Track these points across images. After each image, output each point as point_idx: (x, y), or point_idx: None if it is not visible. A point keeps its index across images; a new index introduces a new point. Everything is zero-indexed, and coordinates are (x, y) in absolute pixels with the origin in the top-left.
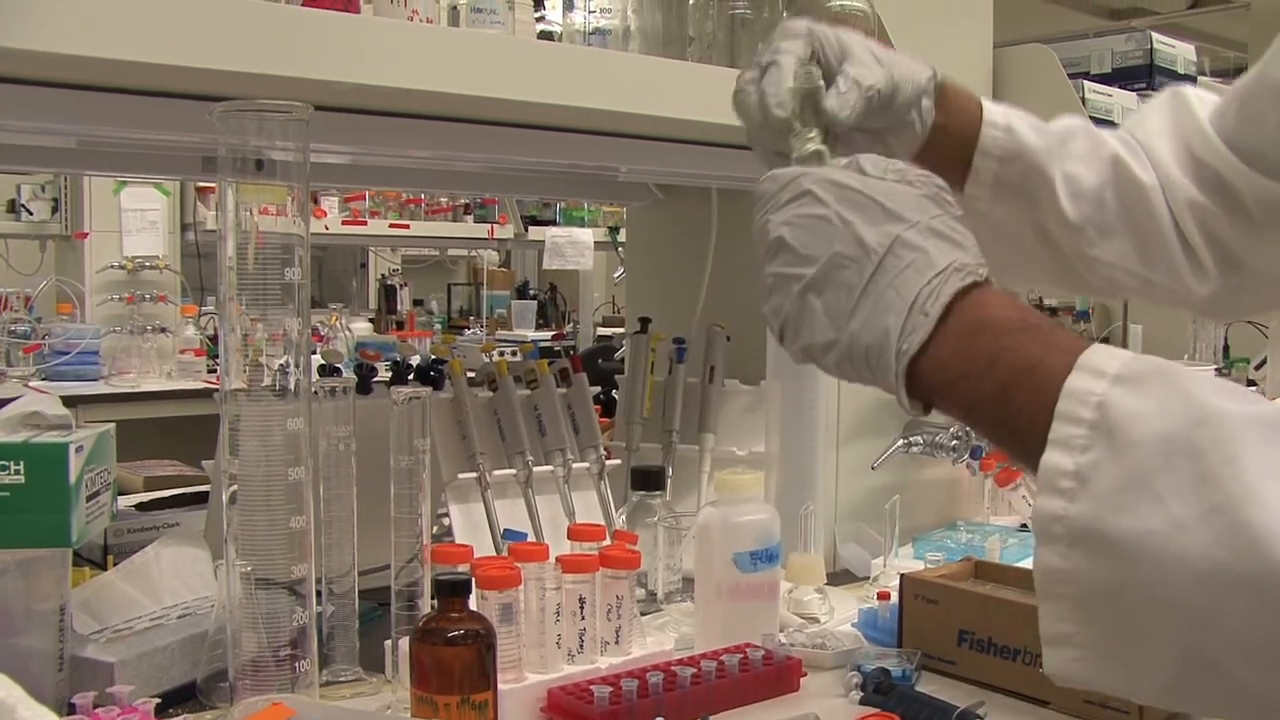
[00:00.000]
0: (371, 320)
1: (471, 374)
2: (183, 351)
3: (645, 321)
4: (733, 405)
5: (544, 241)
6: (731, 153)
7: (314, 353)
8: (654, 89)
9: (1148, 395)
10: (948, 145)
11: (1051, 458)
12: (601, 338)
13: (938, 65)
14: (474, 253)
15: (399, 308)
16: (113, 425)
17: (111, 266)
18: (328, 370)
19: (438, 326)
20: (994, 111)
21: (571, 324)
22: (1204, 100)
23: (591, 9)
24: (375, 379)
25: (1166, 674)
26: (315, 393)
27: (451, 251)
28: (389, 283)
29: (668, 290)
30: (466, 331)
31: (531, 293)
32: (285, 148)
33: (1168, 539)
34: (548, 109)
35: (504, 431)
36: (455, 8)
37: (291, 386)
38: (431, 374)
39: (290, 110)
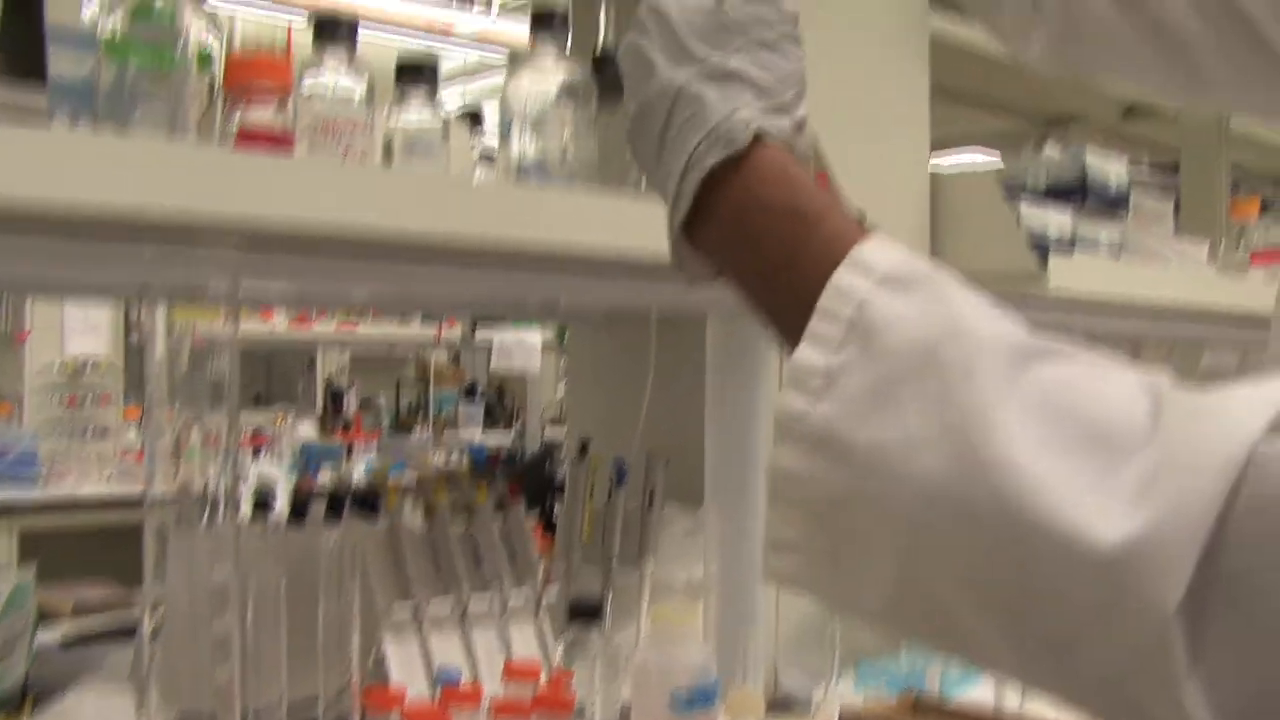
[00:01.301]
0: (319, 420)
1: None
2: (124, 455)
3: (584, 446)
4: (673, 529)
5: (492, 342)
6: (669, 284)
7: (256, 454)
8: (591, 222)
9: (912, 299)
10: None
11: (804, 353)
12: (547, 443)
13: (874, 185)
14: (423, 350)
15: (346, 409)
16: (31, 576)
17: (52, 367)
18: (261, 500)
19: (386, 423)
20: None
21: (519, 424)
22: None
23: (525, 147)
24: (312, 504)
25: (884, 594)
26: (248, 524)
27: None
28: (335, 385)
29: (608, 410)
30: (414, 433)
31: (480, 394)
32: (217, 287)
33: (902, 455)
34: (485, 245)
35: (440, 565)
36: (390, 141)
37: (221, 516)
38: (368, 503)
39: (221, 253)
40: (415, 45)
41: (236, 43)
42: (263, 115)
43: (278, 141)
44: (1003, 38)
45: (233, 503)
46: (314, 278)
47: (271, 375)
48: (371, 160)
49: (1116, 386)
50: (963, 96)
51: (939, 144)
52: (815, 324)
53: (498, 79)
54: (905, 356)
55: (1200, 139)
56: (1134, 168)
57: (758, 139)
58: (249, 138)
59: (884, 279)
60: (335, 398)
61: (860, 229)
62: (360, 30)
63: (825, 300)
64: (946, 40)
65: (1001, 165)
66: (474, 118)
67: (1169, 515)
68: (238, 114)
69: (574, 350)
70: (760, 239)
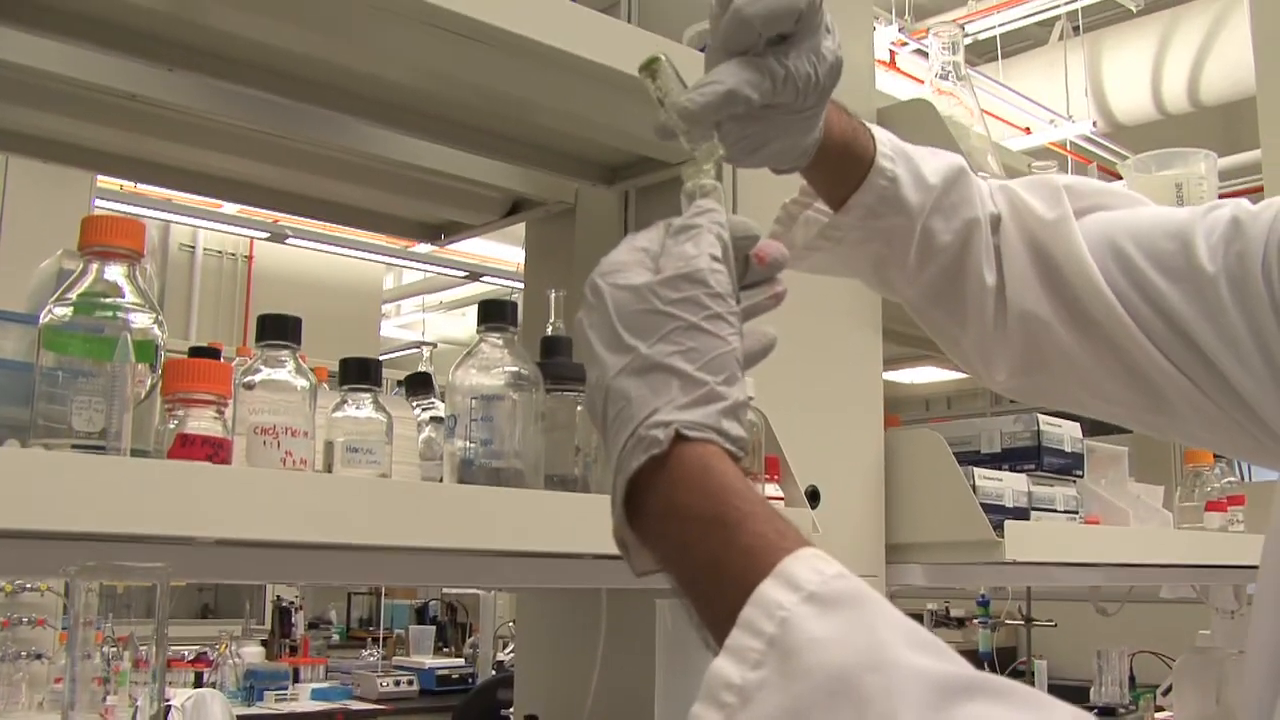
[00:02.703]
0: (264, 643)
1: None
2: (58, 681)
3: None
4: None
5: None
6: (619, 563)
7: (199, 680)
8: (536, 524)
9: (837, 621)
10: (827, 164)
11: (721, 665)
12: (499, 665)
13: (829, 448)
14: None
15: (293, 631)
16: None
17: None
18: None
19: (337, 636)
20: (884, 154)
21: (471, 646)
22: (1090, 213)
23: (472, 439)
24: None
25: None
26: None
27: None
28: (284, 602)
29: (557, 680)
30: (364, 652)
31: (432, 616)
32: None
33: None
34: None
35: None
36: (331, 444)
37: None
38: None
39: (147, 571)
40: (373, 261)
41: (199, 253)
42: (200, 422)
43: (215, 447)
44: (967, 363)
45: None
46: (249, 568)
47: (221, 586)
48: (312, 462)
49: None
50: (917, 339)
51: (893, 361)
52: (736, 636)
53: (456, 292)
54: (824, 682)
55: None
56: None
57: (680, 437)
58: (187, 442)
59: (810, 597)
60: (284, 615)
61: (787, 534)
62: (316, 245)
63: (748, 613)
64: None
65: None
66: (423, 381)
67: None
68: (174, 420)
69: (524, 616)
70: (684, 544)
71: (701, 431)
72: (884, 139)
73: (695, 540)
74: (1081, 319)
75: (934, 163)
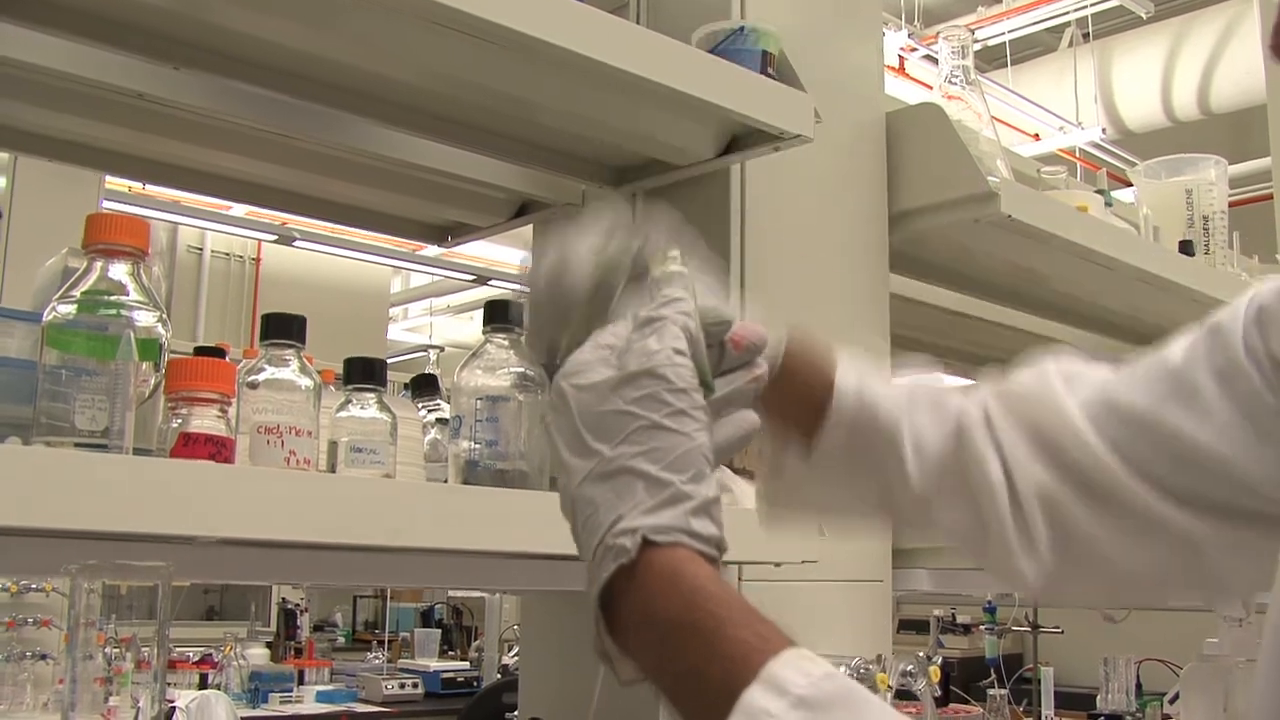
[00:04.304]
0: (269, 645)
1: None
2: (62, 681)
3: None
4: None
5: None
6: None
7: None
8: (541, 525)
9: None
10: (795, 391)
11: None
12: (505, 667)
13: None
14: None
15: (298, 633)
16: None
17: None
18: None
19: (342, 639)
20: (845, 377)
21: (476, 650)
22: (1077, 381)
23: (477, 440)
24: None
25: None
26: None
27: None
28: (290, 605)
29: (562, 685)
30: (369, 655)
31: (437, 619)
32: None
33: None
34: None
35: None
36: (335, 444)
37: None
38: None
39: (149, 570)
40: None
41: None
42: (203, 421)
43: (218, 446)
44: (995, 568)
45: None
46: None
47: (226, 588)
48: (316, 462)
49: None
50: (924, 346)
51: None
52: None
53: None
54: None
55: None
56: None
57: (648, 543)
58: (190, 441)
59: (799, 701)
60: (289, 617)
61: (768, 636)
62: (323, 248)
63: None
64: (909, 295)
65: None
66: (428, 382)
67: None
68: (178, 419)
69: (529, 618)
70: (664, 654)
71: (669, 535)
72: (841, 366)
73: (674, 649)
74: (1089, 488)
75: (893, 386)
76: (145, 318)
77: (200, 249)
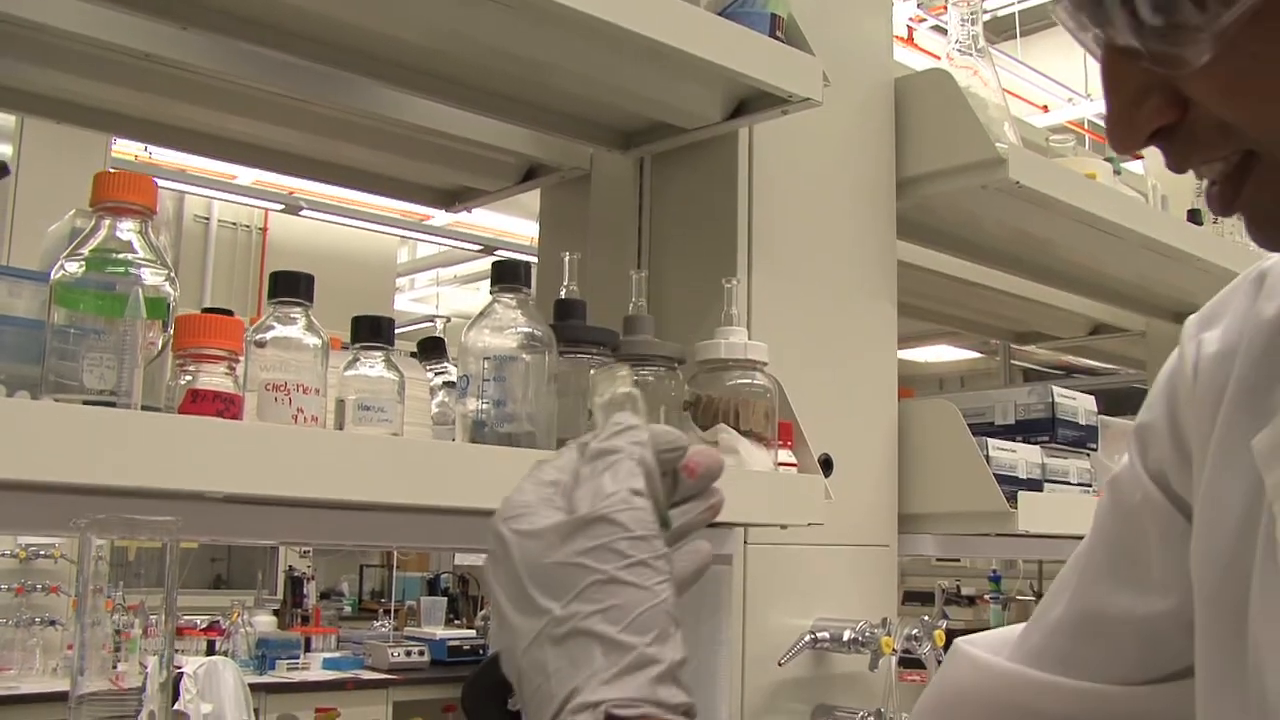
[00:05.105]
0: (276, 613)
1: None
2: (71, 647)
3: None
4: None
5: None
6: None
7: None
8: None
9: None
10: None
11: None
12: None
13: (844, 417)
14: None
15: (305, 601)
16: None
17: (3, 555)
18: None
19: (348, 608)
20: None
21: (482, 620)
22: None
23: (485, 399)
24: None
25: None
26: None
27: None
28: (296, 573)
29: None
30: (375, 623)
31: (443, 588)
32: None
33: None
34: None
35: None
36: (342, 402)
37: None
38: None
39: (158, 525)
40: (388, 234)
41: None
42: (211, 378)
43: (226, 403)
44: None
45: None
46: (259, 526)
47: (233, 556)
48: (323, 420)
49: None
50: (933, 314)
51: (907, 339)
52: None
53: (470, 266)
54: None
55: (1166, 353)
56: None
57: (611, 719)
58: (198, 397)
59: None
60: (296, 585)
61: None
62: (330, 218)
63: None
64: (917, 262)
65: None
66: (435, 345)
67: None
68: (186, 376)
69: None
70: None
71: (634, 708)
72: None
73: None
74: None
75: None
76: (153, 276)
77: (207, 219)
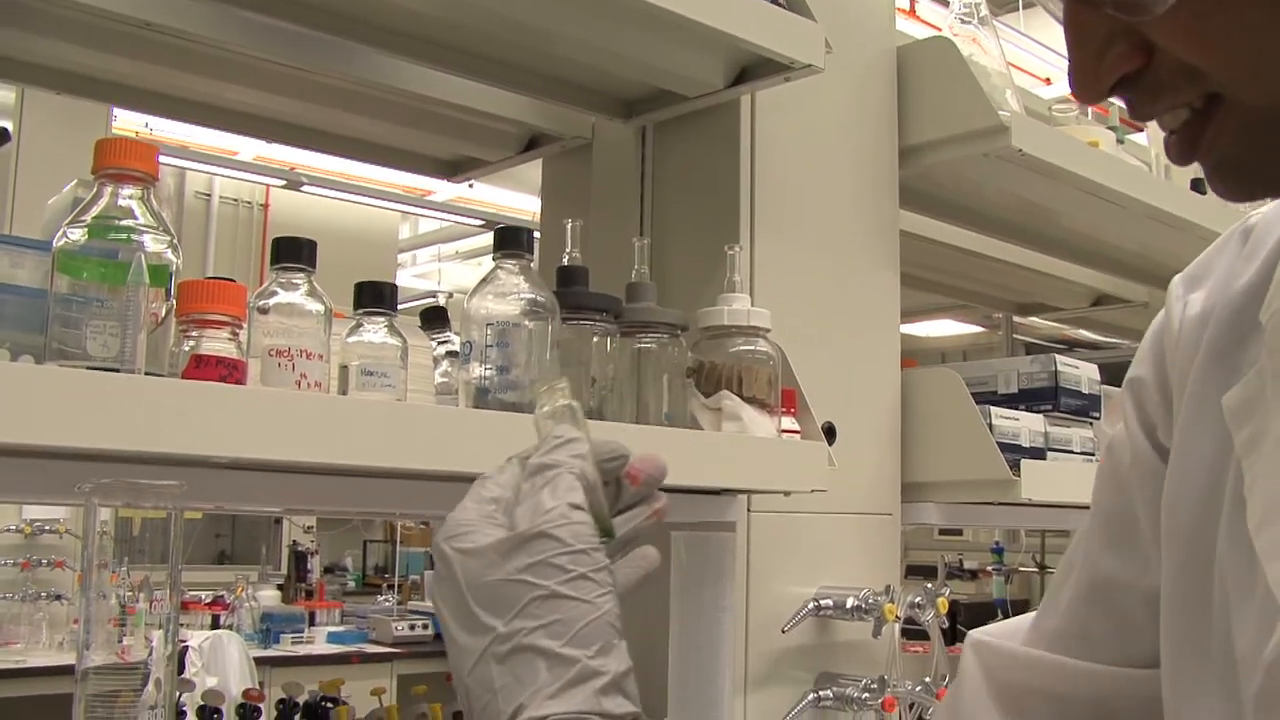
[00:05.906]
0: (280, 587)
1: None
2: (76, 622)
3: None
4: None
5: None
6: None
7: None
8: None
9: None
10: None
11: None
12: None
13: (846, 385)
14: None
15: (309, 575)
16: None
17: (9, 530)
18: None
19: (352, 583)
20: None
21: None
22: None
23: (488, 365)
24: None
25: None
26: None
27: None
28: (300, 548)
29: None
30: (379, 598)
31: None
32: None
33: None
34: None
35: None
36: (345, 368)
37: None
38: (320, 709)
39: (162, 490)
40: (389, 209)
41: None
42: (214, 343)
43: (229, 369)
44: None
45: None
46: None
47: (237, 531)
48: (326, 386)
49: None
50: (936, 285)
51: (909, 313)
52: None
53: (472, 241)
54: None
55: None
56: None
57: None
58: (201, 363)
59: None
60: (300, 560)
61: None
62: (332, 193)
63: None
64: (920, 232)
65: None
66: (438, 315)
67: None
68: (190, 342)
69: None
70: None
71: (579, 714)
72: None
73: None
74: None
75: None
76: (155, 243)
77: (208, 195)
